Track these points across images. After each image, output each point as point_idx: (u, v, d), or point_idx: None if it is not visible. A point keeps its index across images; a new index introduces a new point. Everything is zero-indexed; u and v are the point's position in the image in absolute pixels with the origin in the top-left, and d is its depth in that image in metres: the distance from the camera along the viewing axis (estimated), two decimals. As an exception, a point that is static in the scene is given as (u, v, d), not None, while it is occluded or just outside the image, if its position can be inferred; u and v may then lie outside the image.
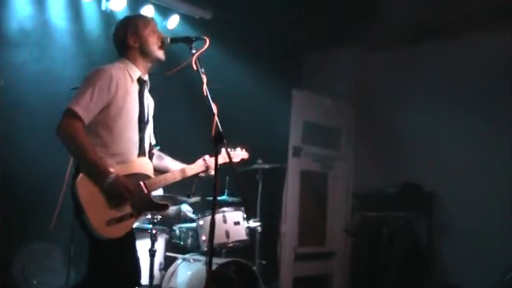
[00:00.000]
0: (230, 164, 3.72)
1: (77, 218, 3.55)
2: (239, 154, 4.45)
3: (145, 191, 3.76)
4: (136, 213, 3.73)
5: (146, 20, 3.93)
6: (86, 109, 3.53)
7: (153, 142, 4.15)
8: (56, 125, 3.50)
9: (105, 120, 3.65)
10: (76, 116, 3.50)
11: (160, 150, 4.22)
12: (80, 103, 3.52)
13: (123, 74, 3.76)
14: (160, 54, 3.87)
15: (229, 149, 4.15)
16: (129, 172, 3.70)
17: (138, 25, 3.85)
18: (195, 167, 4.11)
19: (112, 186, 3.52)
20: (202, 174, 4.15)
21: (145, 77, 3.91)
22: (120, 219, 3.60)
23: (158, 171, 4.00)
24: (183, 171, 4.04)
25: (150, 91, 4.00)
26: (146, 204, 3.80)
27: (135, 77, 3.82)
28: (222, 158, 3.84)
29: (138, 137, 3.80)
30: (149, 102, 4.00)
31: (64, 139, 3.52)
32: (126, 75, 3.78)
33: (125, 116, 3.72)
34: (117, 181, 3.54)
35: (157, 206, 3.91)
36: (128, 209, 3.65)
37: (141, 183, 3.74)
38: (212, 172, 4.06)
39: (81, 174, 3.50)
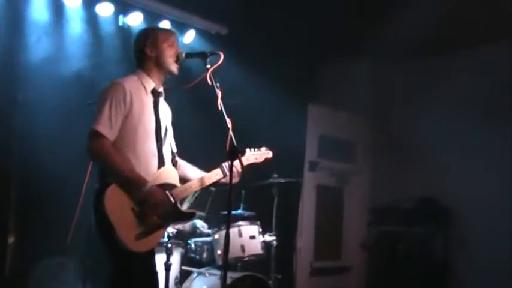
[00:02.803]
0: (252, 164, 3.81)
1: (102, 234, 3.58)
2: (263, 154, 4.40)
3: (172, 200, 3.78)
4: (165, 224, 3.75)
5: (167, 33, 4.00)
6: (108, 126, 3.60)
7: (174, 150, 4.17)
8: (80, 146, 3.64)
9: (124, 133, 3.69)
10: (100, 136, 3.58)
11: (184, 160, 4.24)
12: (100, 121, 3.59)
13: (137, 85, 3.81)
14: (173, 67, 3.91)
15: (253, 150, 4.26)
16: (157, 183, 3.72)
17: (158, 37, 3.91)
18: (218, 172, 4.04)
19: (149, 196, 3.55)
20: (223, 180, 4.04)
21: (160, 89, 3.96)
22: (149, 232, 3.61)
23: (183, 179, 4.00)
24: (207, 177, 4.00)
25: (165, 99, 4.04)
26: (173, 214, 3.79)
27: (149, 88, 3.87)
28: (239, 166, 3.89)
29: (157, 148, 3.83)
30: (166, 112, 4.04)
31: (96, 161, 3.66)
32: (140, 86, 3.83)
33: (141, 128, 3.75)
34: (154, 191, 3.59)
35: (184, 215, 3.90)
36: (155, 221, 3.66)
37: (167, 193, 3.75)
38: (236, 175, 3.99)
39: (110, 187, 3.53)
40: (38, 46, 5.85)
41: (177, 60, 3.91)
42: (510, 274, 6.69)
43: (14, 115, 5.52)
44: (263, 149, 4.41)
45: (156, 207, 3.61)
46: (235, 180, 3.90)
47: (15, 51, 5.68)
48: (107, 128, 3.59)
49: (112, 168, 3.57)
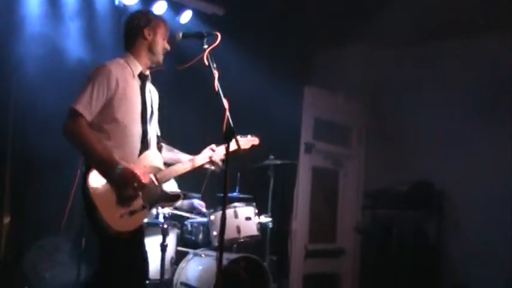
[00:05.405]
0: (238, 151, 3.77)
1: (88, 216, 3.59)
2: (249, 140, 4.44)
3: (156, 182, 3.79)
4: (148, 206, 3.76)
5: (166, 27, 3.99)
6: (87, 106, 3.59)
7: (158, 133, 4.18)
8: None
9: (108, 115, 3.69)
10: (77, 114, 3.57)
11: (169, 144, 4.25)
12: (80, 101, 3.59)
13: (124, 68, 3.81)
14: (161, 58, 3.93)
15: (239, 137, 4.22)
16: (141, 165, 3.74)
17: (159, 25, 3.92)
18: (203, 157, 4.10)
19: (120, 177, 3.54)
20: (209, 165, 4.14)
21: (147, 72, 3.96)
22: (132, 212, 3.62)
23: (168, 163, 4.02)
24: (192, 161, 4.06)
25: (153, 83, 4.04)
26: (157, 196, 3.83)
27: (137, 72, 3.87)
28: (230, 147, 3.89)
29: (141, 130, 3.83)
30: (152, 95, 4.04)
31: (69, 139, 3.60)
32: (127, 70, 3.83)
33: (126, 110, 3.75)
34: (126, 171, 3.56)
35: (169, 198, 3.95)
36: (139, 202, 3.67)
37: (152, 175, 3.77)
38: (218, 162, 4.09)
39: (93, 171, 3.54)
40: (32, 27, 5.81)
41: (171, 45, 3.93)
42: (504, 259, 6.73)
43: (9, 98, 5.49)
44: (249, 136, 4.44)
45: (131, 186, 3.60)
46: (217, 167, 4.10)
47: (9, 33, 5.63)
48: (85, 108, 3.59)
49: (85, 148, 3.57)
